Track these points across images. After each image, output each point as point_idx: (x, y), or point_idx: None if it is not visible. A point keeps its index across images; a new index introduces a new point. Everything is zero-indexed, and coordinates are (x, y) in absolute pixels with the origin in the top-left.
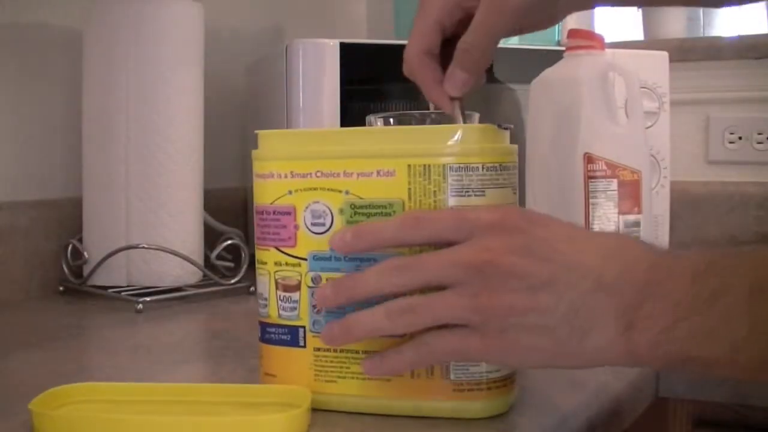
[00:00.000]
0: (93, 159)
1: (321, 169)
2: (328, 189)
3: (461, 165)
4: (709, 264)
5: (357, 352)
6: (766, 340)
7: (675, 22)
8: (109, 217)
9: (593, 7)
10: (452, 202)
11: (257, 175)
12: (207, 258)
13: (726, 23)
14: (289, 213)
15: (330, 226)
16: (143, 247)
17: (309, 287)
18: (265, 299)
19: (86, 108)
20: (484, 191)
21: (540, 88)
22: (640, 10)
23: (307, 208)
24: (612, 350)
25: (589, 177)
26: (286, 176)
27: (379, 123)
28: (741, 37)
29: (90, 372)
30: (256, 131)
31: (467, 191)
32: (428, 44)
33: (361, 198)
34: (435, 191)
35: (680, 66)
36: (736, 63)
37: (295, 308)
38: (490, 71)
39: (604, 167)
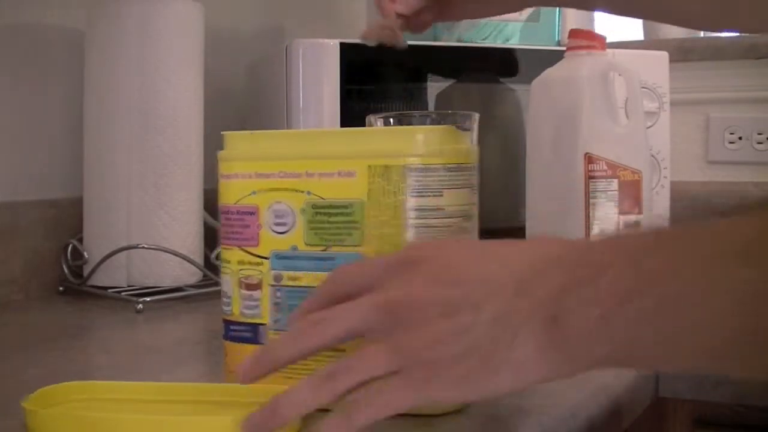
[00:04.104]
0: (93, 159)
1: (283, 169)
2: (290, 189)
3: (420, 166)
4: (655, 240)
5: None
6: (723, 324)
7: None
8: (109, 217)
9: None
10: (411, 202)
11: (222, 176)
12: (207, 258)
13: None
14: (252, 213)
15: (292, 226)
16: (143, 247)
17: (271, 285)
18: (229, 297)
19: (87, 108)
20: (441, 192)
21: (540, 88)
22: None
23: (269, 208)
24: (543, 356)
25: (590, 177)
26: (250, 177)
27: (379, 123)
28: (741, 37)
29: (90, 372)
30: (222, 132)
31: (426, 192)
32: None
33: (322, 198)
34: (394, 192)
35: (680, 66)
36: (736, 63)
37: (257, 306)
38: (488, 71)
39: (605, 167)
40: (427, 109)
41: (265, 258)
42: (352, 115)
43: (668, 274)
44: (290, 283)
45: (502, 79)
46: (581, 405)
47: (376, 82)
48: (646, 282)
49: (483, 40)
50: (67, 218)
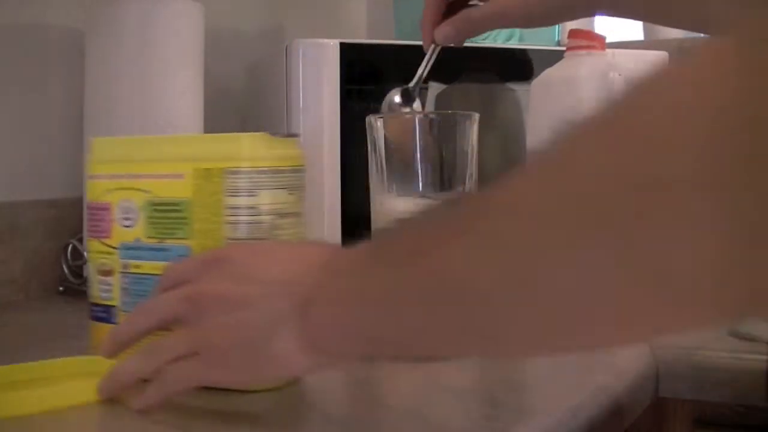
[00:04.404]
0: None
1: (130, 171)
2: (135, 189)
3: (234, 169)
4: (387, 237)
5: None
6: (423, 310)
7: None
8: None
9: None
10: (228, 202)
11: (87, 176)
12: None
13: None
14: (106, 209)
15: (136, 221)
16: None
17: (120, 272)
18: (91, 282)
19: (87, 108)
20: (256, 192)
21: (540, 88)
22: None
23: (119, 205)
24: (301, 351)
25: None
26: (106, 177)
27: (379, 123)
28: None
29: None
30: (90, 138)
31: (241, 192)
32: None
33: (159, 197)
34: (214, 192)
35: None
36: None
37: (110, 290)
38: (488, 71)
39: None
40: (426, 109)
41: (116, 248)
42: (352, 115)
43: (381, 268)
44: (135, 270)
45: (502, 79)
46: (581, 405)
47: (376, 82)
48: (367, 280)
49: (483, 40)
50: (67, 218)
